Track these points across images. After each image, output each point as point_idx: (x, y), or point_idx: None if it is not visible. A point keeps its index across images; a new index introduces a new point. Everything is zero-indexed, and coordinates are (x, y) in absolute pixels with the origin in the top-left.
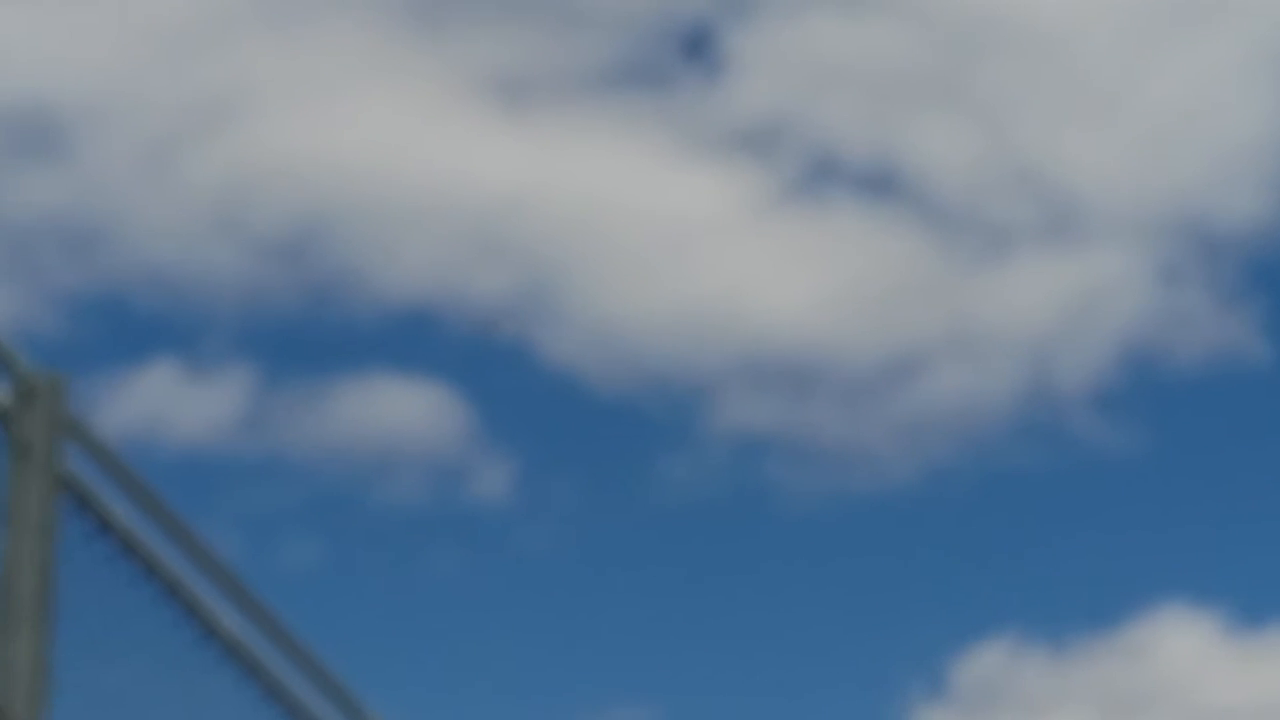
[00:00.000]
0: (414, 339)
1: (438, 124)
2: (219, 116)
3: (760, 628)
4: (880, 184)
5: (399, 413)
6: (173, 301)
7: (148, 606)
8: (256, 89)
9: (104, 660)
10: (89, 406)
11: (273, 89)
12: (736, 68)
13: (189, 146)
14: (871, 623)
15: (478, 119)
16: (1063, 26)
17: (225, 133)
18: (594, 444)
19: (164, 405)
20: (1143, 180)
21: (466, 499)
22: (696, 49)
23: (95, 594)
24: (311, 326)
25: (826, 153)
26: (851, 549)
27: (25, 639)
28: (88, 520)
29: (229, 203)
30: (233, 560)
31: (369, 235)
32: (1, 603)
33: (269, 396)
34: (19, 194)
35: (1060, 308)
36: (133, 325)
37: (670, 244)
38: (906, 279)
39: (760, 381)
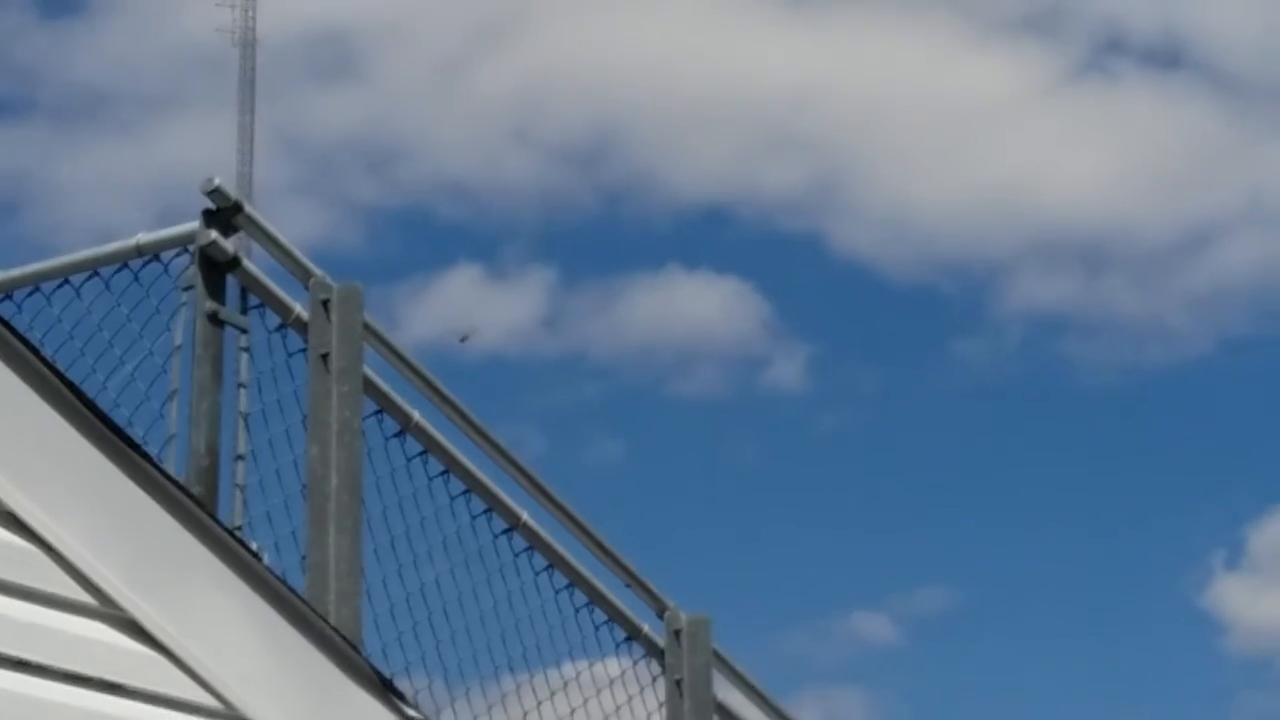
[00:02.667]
0: (708, 236)
1: (726, 22)
2: (511, 28)
3: (1058, 504)
4: (1169, 57)
5: (695, 308)
6: (472, 211)
7: (449, 504)
8: None
9: (409, 557)
10: (390, 315)
11: None
12: None
13: (482, 59)
14: (1170, 494)
15: (765, 15)
16: None
17: (517, 43)
18: (888, 330)
19: (467, 311)
20: None
21: (763, 389)
22: None
23: (398, 494)
24: (607, 228)
25: (1112, 29)
26: (1149, 422)
27: (333, 540)
28: (388, 423)
29: (523, 112)
30: (538, 457)
31: (661, 136)
32: (309, 506)
33: (568, 298)
34: (321, 115)
35: None
36: (434, 236)
37: (960, 129)
38: (1199, 151)
39: (1053, 260)
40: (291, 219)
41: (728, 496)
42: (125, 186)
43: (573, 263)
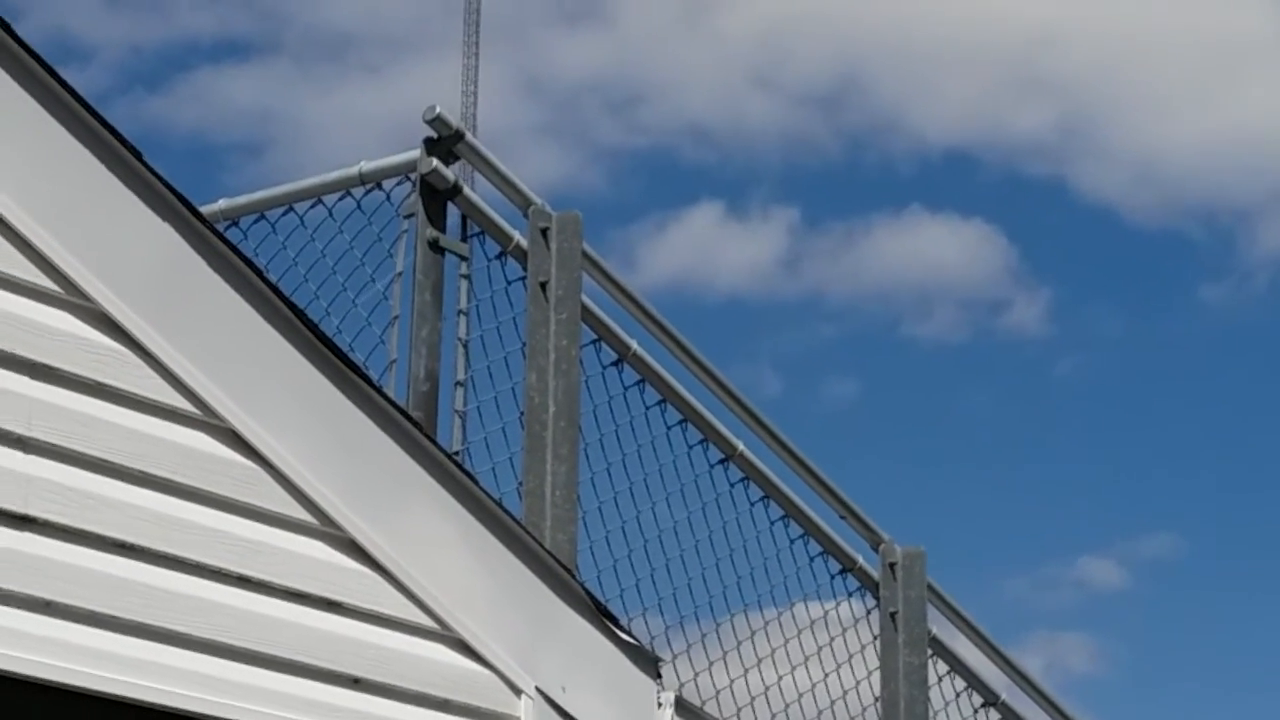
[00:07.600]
0: (952, 179)
1: None
2: None
3: None
4: None
5: (937, 250)
6: (714, 154)
7: (665, 434)
8: None
9: (625, 485)
10: (629, 254)
11: None
12: None
13: (725, 1)
14: None
15: None
16: None
17: None
18: (1133, 274)
19: (708, 252)
20: None
21: (1002, 332)
22: None
23: (615, 423)
24: (850, 171)
25: None
26: None
27: (550, 467)
28: (605, 352)
29: (766, 54)
30: (773, 398)
31: (905, 79)
32: (526, 433)
33: (809, 240)
34: (565, 58)
35: None
36: (676, 178)
37: (1211, 69)
38: None
39: None
40: (533, 160)
41: (960, 438)
42: (367, 126)
43: (814, 204)
